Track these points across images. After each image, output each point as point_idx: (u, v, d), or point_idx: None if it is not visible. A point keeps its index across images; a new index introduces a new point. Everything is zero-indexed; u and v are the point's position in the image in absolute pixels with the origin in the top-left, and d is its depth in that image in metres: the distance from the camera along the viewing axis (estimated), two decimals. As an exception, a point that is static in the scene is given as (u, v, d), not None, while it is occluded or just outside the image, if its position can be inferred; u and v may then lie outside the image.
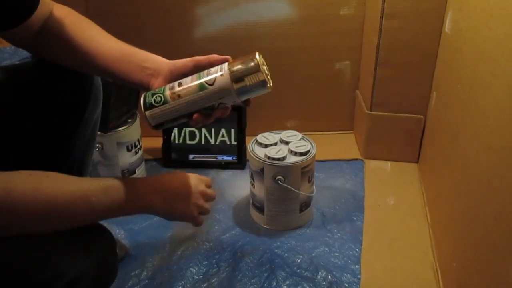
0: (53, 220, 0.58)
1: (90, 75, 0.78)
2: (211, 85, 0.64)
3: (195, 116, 0.66)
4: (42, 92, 0.74)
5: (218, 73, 0.64)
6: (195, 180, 0.80)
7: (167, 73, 0.69)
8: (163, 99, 0.65)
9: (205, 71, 0.66)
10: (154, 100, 0.65)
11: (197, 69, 0.68)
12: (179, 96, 0.65)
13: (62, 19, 0.70)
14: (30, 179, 0.57)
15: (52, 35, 0.70)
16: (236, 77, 0.63)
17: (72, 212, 0.60)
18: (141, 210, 0.69)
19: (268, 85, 0.65)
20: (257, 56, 0.64)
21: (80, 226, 0.61)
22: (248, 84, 0.64)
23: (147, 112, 0.66)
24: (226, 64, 0.65)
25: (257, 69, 0.63)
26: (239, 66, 0.64)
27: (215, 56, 0.68)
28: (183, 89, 0.65)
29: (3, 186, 0.53)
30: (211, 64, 0.67)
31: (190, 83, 0.65)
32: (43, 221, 0.57)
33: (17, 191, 0.54)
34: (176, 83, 0.66)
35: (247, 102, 0.68)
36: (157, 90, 0.66)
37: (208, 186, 0.83)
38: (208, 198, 0.82)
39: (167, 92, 0.65)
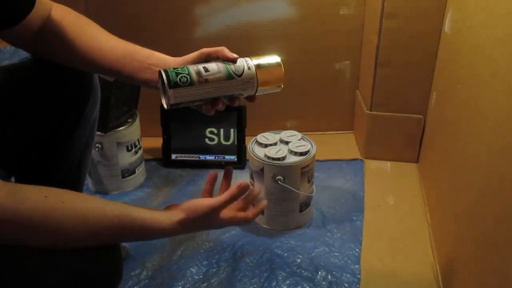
0: (59, 246, 0.57)
1: (88, 74, 0.78)
2: (239, 76, 0.69)
3: (213, 104, 0.69)
4: (41, 92, 0.74)
5: (245, 66, 0.70)
6: (212, 220, 0.70)
7: None
8: (189, 81, 0.66)
9: (229, 62, 0.70)
10: (180, 79, 0.65)
11: (206, 61, 0.70)
12: (206, 80, 0.67)
13: (61, 20, 0.70)
14: (43, 202, 0.55)
15: (52, 36, 0.70)
16: (262, 75, 0.70)
17: (79, 244, 0.58)
18: (158, 237, 0.67)
19: (282, 85, 0.73)
20: (279, 58, 0.72)
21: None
22: (270, 82, 0.71)
23: (171, 90, 0.65)
24: (249, 59, 0.71)
25: (281, 70, 0.71)
26: (265, 65, 0.71)
27: (224, 51, 0.69)
28: (211, 74, 0.67)
29: (11, 207, 0.52)
30: (218, 57, 0.70)
31: (218, 70, 0.68)
32: (49, 244, 0.56)
33: (25, 215, 0.53)
34: (201, 67, 0.67)
35: (254, 97, 0.73)
36: (179, 69, 0.66)
37: (226, 203, 0.71)
38: (239, 222, 0.74)
39: (194, 75, 0.66)
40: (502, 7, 0.71)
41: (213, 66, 0.68)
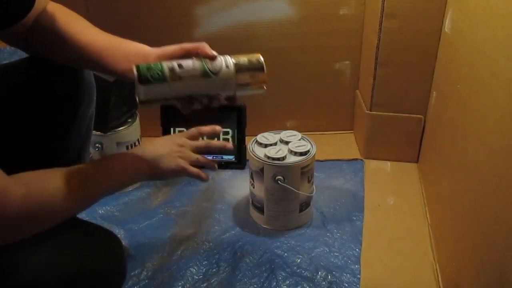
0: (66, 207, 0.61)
1: (81, 71, 0.78)
2: (215, 74, 0.65)
3: (190, 103, 0.67)
4: (34, 90, 0.74)
5: (223, 65, 0.65)
6: (172, 137, 0.79)
7: (155, 60, 0.68)
8: (161, 77, 0.63)
9: (207, 60, 0.66)
10: (152, 76, 0.63)
11: (186, 57, 0.68)
12: (179, 78, 0.64)
13: (53, 14, 0.71)
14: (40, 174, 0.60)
15: (43, 29, 0.71)
16: (242, 74, 0.66)
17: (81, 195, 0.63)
18: (133, 177, 0.71)
19: (265, 87, 0.68)
20: (261, 58, 0.67)
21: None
22: (251, 82, 0.66)
23: (141, 86, 0.62)
24: (229, 58, 0.66)
25: (262, 70, 0.66)
26: (246, 64, 0.66)
27: (205, 47, 0.67)
28: (185, 71, 0.64)
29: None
30: (198, 54, 0.67)
31: (193, 67, 0.65)
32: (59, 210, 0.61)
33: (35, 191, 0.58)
34: (175, 63, 0.65)
35: (234, 99, 0.69)
36: (152, 65, 0.64)
37: (192, 138, 0.80)
38: (196, 149, 0.79)
39: (166, 71, 0.63)
40: (502, 7, 0.71)
41: (188, 63, 0.65)
